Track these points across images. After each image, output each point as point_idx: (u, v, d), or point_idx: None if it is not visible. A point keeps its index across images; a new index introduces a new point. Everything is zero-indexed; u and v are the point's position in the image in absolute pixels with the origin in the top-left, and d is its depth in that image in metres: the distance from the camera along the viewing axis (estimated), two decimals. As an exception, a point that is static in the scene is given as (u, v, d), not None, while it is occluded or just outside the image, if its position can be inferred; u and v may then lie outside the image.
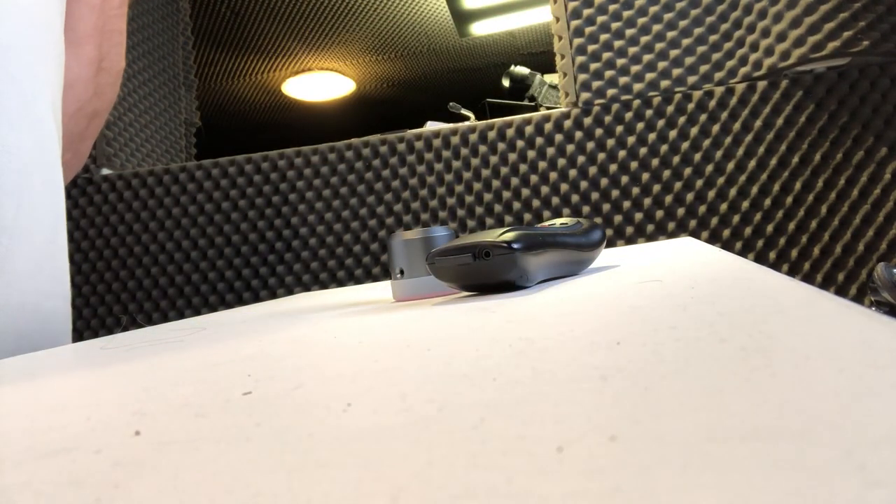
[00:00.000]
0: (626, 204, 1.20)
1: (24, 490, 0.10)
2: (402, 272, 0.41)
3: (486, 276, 0.34)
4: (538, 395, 0.12)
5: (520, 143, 1.23)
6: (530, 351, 0.16)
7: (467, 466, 0.08)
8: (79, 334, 1.32)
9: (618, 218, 1.19)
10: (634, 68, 1.22)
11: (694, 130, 1.18)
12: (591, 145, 1.21)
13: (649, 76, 1.21)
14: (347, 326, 0.28)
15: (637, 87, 1.21)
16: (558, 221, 0.43)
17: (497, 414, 0.11)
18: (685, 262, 0.38)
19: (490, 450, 0.09)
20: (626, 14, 1.23)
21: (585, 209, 1.20)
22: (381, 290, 0.60)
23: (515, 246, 0.33)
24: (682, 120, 1.19)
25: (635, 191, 1.19)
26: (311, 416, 0.12)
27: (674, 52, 1.21)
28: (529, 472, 0.08)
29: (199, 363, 0.22)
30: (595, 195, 1.20)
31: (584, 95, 1.22)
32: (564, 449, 0.09)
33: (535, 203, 1.22)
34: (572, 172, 1.21)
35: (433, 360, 0.17)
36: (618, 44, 1.23)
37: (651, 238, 1.19)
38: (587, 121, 1.21)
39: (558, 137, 1.22)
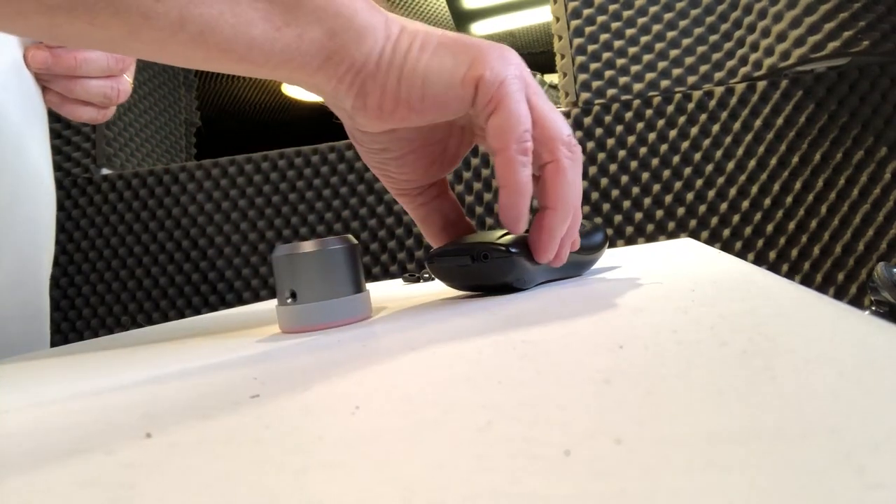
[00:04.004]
0: (626, 204, 1.20)
1: (39, 490, 0.10)
2: (293, 295, 0.30)
3: (484, 277, 0.34)
4: (543, 398, 0.12)
5: (520, 143, 1.23)
6: (534, 353, 0.16)
7: (475, 468, 0.09)
8: (79, 334, 1.32)
9: (618, 218, 1.20)
10: (634, 68, 1.22)
11: (694, 130, 1.19)
12: (591, 145, 1.21)
13: (649, 76, 1.21)
14: (350, 329, 0.29)
15: (637, 87, 1.22)
16: None
17: (503, 416, 0.11)
18: (685, 264, 0.38)
19: (497, 452, 0.09)
20: (626, 14, 1.23)
21: (585, 209, 1.20)
22: (382, 287, 0.60)
23: (513, 250, 0.33)
24: (682, 120, 1.19)
25: (635, 191, 1.20)
26: (319, 418, 0.13)
27: (674, 52, 1.22)
28: (536, 473, 0.08)
29: (205, 366, 0.22)
30: (595, 195, 1.20)
31: (584, 95, 1.22)
32: (571, 451, 0.09)
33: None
34: (572, 172, 1.21)
35: (438, 363, 0.17)
36: (618, 44, 1.23)
37: (651, 238, 1.19)
38: (587, 121, 1.22)
39: (558, 137, 1.22)
